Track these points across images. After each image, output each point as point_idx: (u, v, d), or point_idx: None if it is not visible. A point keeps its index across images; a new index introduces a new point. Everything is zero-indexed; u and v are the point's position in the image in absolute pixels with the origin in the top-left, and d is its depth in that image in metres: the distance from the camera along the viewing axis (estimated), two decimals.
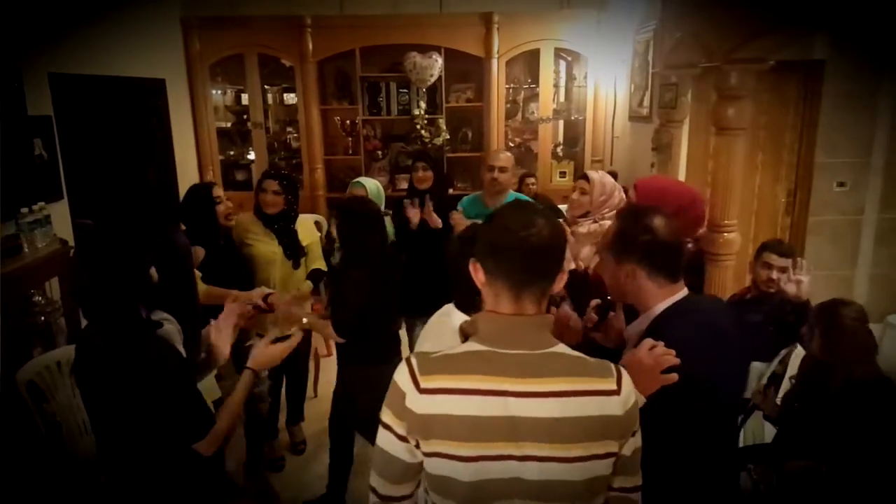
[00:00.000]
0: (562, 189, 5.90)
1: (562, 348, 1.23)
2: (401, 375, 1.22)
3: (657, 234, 1.57)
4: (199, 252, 2.97)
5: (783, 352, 2.92)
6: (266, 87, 6.15)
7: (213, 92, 6.02)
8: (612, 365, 1.24)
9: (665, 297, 1.59)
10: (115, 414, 1.68)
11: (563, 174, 6.11)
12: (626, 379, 1.22)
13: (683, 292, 1.62)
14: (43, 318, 3.34)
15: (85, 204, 4.08)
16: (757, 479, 2.56)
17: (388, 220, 3.65)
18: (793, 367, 2.90)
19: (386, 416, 1.23)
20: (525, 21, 5.68)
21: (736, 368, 1.66)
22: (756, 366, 3.04)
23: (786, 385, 2.87)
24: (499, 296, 1.23)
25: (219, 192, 3.17)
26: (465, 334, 1.28)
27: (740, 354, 1.66)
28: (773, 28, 3.24)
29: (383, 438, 1.24)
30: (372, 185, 3.75)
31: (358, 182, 3.65)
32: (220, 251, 3.13)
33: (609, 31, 5.58)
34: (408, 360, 1.23)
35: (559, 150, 6.25)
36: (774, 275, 3.03)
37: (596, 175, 3.17)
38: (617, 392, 1.19)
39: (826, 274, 4.93)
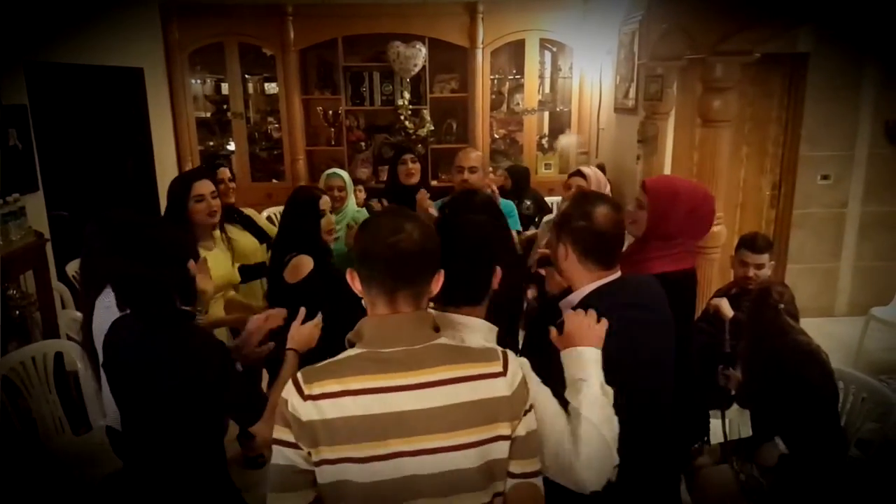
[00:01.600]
0: (547, 181, 5.88)
1: (443, 340, 1.24)
2: (287, 389, 1.20)
3: (594, 222, 1.64)
4: (306, 262, 2.61)
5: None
6: (246, 76, 6.06)
7: (193, 81, 5.92)
8: (498, 349, 1.27)
9: (593, 280, 1.67)
10: (158, 406, 1.65)
11: (548, 166, 6.09)
12: (513, 360, 1.24)
13: (616, 275, 1.69)
14: (18, 311, 3.26)
15: (61, 195, 4.00)
16: (738, 471, 2.58)
17: (364, 211, 3.60)
18: None
19: (276, 430, 1.20)
20: (510, 11, 5.64)
21: (658, 348, 1.68)
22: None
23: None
24: (374, 302, 1.25)
25: (325, 205, 2.76)
26: (350, 343, 1.26)
27: (664, 335, 1.70)
28: (758, 20, 3.23)
29: (275, 454, 1.20)
30: (346, 177, 3.66)
31: (335, 173, 3.56)
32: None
33: (595, 21, 5.55)
34: (293, 375, 1.21)
35: (544, 141, 6.23)
36: (751, 272, 3.05)
37: (590, 170, 3.18)
38: (503, 373, 1.20)
39: (810, 267, 4.97)
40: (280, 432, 1.19)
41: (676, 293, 2.03)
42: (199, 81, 6.12)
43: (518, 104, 6.04)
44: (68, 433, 2.89)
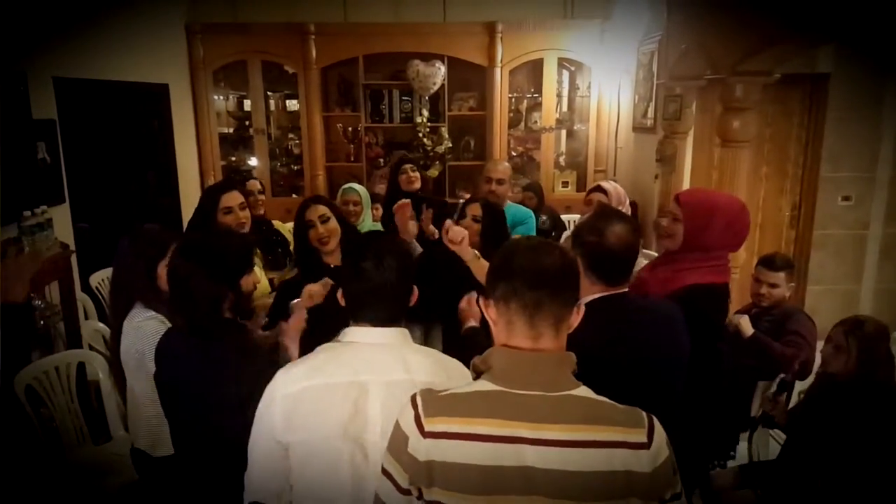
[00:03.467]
0: (564, 199, 5.88)
1: (584, 391, 1.13)
2: (405, 417, 1.13)
3: (604, 239, 1.67)
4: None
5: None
6: (269, 93, 6.14)
7: (216, 97, 6.01)
8: (644, 413, 1.12)
9: (595, 293, 1.69)
10: (211, 419, 1.65)
11: (565, 184, 6.09)
12: (659, 430, 1.11)
13: (620, 290, 1.71)
14: (42, 322, 3.32)
15: (86, 208, 4.07)
16: (761, 496, 2.53)
17: (378, 225, 3.66)
18: (801, 383, 2.88)
19: (386, 461, 1.16)
20: (528, 30, 5.68)
21: (639, 363, 1.63)
22: (761, 384, 3.03)
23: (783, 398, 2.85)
24: (512, 323, 1.15)
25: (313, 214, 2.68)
26: (477, 371, 1.19)
27: (654, 354, 1.68)
28: (778, 40, 3.24)
29: (382, 487, 1.16)
30: (363, 192, 3.71)
31: (351, 188, 3.60)
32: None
33: (613, 41, 5.57)
34: (413, 400, 1.14)
35: (562, 159, 6.24)
36: (764, 289, 3.01)
37: (610, 185, 3.19)
38: (647, 445, 1.08)
39: (831, 289, 4.91)
40: (394, 469, 1.13)
41: (709, 305, 2.05)
42: (222, 98, 6.21)
43: (536, 122, 6.06)
44: (89, 443, 2.92)
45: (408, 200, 2.86)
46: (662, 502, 1.10)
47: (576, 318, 1.21)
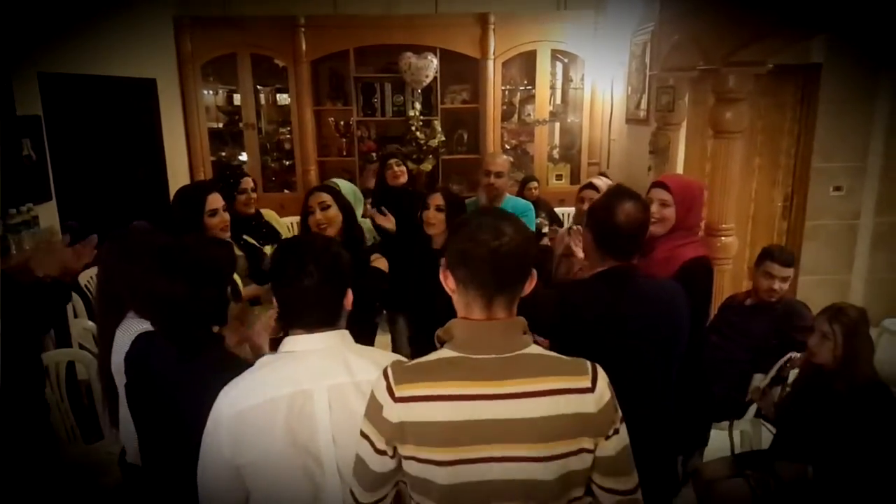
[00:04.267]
0: (559, 192, 5.87)
1: (534, 349, 1.24)
2: (378, 387, 1.23)
3: (614, 216, 1.80)
4: None
5: (783, 360, 2.89)
6: (259, 87, 6.10)
7: (205, 92, 5.96)
8: (587, 362, 1.24)
9: (606, 266, 1.85)
10: (184, 426, 1.57)
11: (559, 177, 6.08)
12: (602, 375, 1.23)
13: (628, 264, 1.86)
14: None
15: (73, 205, 4.02)
16: (754, 486, 2.54)
17: (368, 220, 3.66)
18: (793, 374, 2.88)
19: (365, 426, 1.24)
20: (521, 22, 5.65)
21: (644, 334, 1.78)
22: (756, 377, 3.03)
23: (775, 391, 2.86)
24: (470, 304, 1.25)
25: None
26: (440, 341, 1.28)
27: (654, 322, 1.80)
28: (770, 31, 3.22)
29: (361, 447, 1.25)
30: (347, 186, 3.71)
31: (334, 182, 3.62)
32: None
33: (606, 33, 5.55)
34: (385, 371, 1.23)
35: (555, 152, 6.23)
36: (776, 285, 3.01)
37: (601, 182, 3.20)
38: (591, 389, 1.20)
39: (822, 279, 4.93)
40: (373, 434, 1.22)
41: (707, 276, 2.21)
42: (211, 92, 6.16)
43: (529, 115, 6.04)
44: (80, 442, 2.89)
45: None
46: (607, 438, 1.22)
47: (528, 288, 1.29)
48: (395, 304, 3.49)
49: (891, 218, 4.92)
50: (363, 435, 1.24)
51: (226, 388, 1.40)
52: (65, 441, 2.82)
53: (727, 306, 3.29)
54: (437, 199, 2.81)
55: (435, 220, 2.78)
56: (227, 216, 2.70)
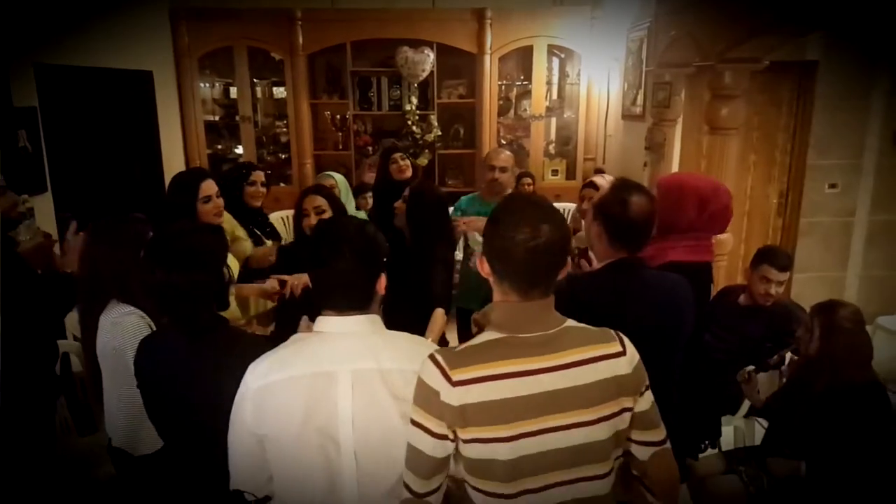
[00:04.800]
0: (555, 188, 5.88)
1: (570, 323, 1.34)
2: (429, 374, 1.27)
3: (628, 210, 1.82)
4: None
5: (775, 356, 2.90)
6: (255, 80, 6.07)
7: (202, 85, 5.93)
8: (611, 330, 1.36)
9: (615, 258, 1.88)
10: (207, 418, 1.59)
11: (555, 172, 6.08)
12: (626, 339, 1.35)
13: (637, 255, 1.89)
14: None
15: (69, 197, 4.01)
16: (747, 482, 2.56)
17: (363, 213, 3.67)
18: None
19: (418, 415, 1.28)
20: (518, 17, 5.64)
21: (651, 324, 1.77)
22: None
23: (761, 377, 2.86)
24: (507, 293, 1.32)
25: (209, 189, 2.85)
26: (478, 325, 1.38)
27: (660, 313, 1.83)
28: (767, 28, 3.23)
29: (414, 437, 1.28)
30: (340, 179, 3.71)
31: (327, 174, 3.62)
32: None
33: (603, 28, 5.55)
34: (433, 359, 1.28)
35: (551, 147, 6.23)
36: (773, 290, 2.98)
37: (602, 180, 3.19)
38: (623, 353, 1.32)
39: (817, 276, 4.95)
40: (429, 421, 1.26)
41: (690, 282, 2.14)
42: (207, 85, 6.14)
43: (525, 110, 6.04)
44: (74, 434, 2.90)
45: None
46: (641, 395, 1.34)
47: (562, 275, 1.35)
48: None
49: (886, 215, 4.94)
50: (416, 424, 1.27)
51: (256, 361, 1.43)
52: (59, 433, 2.82)
53: (721, 304, 3.26)
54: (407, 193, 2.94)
55: (400, 212, 2.91)
56: (219, 202, 2.71)
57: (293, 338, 1.48)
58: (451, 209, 3.44)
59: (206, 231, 1.85)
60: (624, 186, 1.92)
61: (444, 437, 1.26)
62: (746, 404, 3.02)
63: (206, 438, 1.59)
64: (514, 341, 1.28)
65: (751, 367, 2.78)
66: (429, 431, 1.26)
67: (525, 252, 1.25)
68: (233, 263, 2.75)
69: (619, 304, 1.77)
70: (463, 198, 3.68)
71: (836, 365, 2.36)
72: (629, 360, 1.32)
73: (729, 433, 3.16)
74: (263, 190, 3.39)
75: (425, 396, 1.26)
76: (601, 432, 1.28)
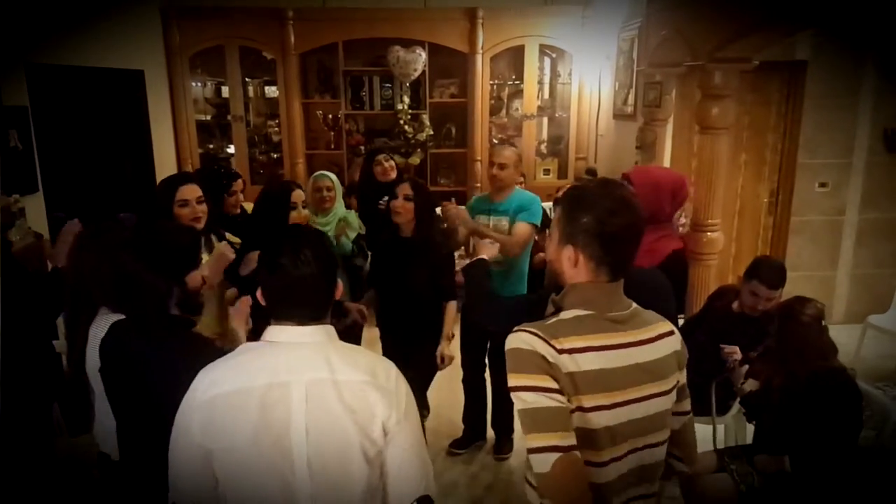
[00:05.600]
0: (547, 187, 5.88)
1: (636, 306, 1.44)
2: (529, 342, 1.30)
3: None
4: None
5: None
6: (247, 79, 6.07)
7: (193, 84, 5.92)
8: (660, 315, 1.48)
9: None
10: (158, 416, 1.59)
11: (546, 171, 6.10)
12: (671, 323, 1.48)
13: None
14: None
15: (61, 197, 4.00)
16: (738, 480, 2.57)
17: (353, 213, 3.67)
18: None
19: (527, 379, 1.28)
20: (510, 17, 5.65)
21: None
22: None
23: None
24: (598, 275, 1.38)
25: (297, 197, 2.96)
26: (557, 305, 1.42)
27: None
28: (757, 27, 3.25)
29: (535, 398, 1.27)
30: (335, 180, 3.71)
31: (323, 174, 3.61)
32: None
33: (594, 28, 5.57)
34: (527, 331, 1.32)
35: (543, 147, 6.24)
36: (760, 305, 2.94)
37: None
38: (673, 332, 1.45)
39: (807, 274, 4.98)
40: (539, 380, 1.28)
41: (681, 269, 2.21)
42: (199, 84, 6.12)
43: (517, 110, 6.05)
44: (65, 435, 2.88)
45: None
46: (682, 370, 1.46)
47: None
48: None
49: (875, 214, 4.98)
50: (526, 389, 1.28)
51: (203, 371, 1.38)
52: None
53: (714, 307, 3.22)
54: (405, 189, 2.92)
55: (402, 209, 2.90)
56: (200, 209, 2.63)
57: (242, 347, 1.44)
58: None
59: (179, 231, 1.83)
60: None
61: (557, 391, 1.27)
62: (736, 404, 3.04)
63: (156, 437, 1.55)
64: (600, 318, 1.36)
65: (737, 357, 2.81)
66: (542, 389, 1.27)
67: (626, 235, 1.36)
68: None
69: None
70: (473, 196, 3.76)
71: (793, 356, 2.40)
72: (678, 338, 1.46)
73: (720, 431, 3.18)
74: (242, 196, 3.40)
75: (529, 360, 1.29)
76: (668, 402, 1.40)
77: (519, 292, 3.21)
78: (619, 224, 1.35)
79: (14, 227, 3.22)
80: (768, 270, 2.94)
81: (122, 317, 1.79)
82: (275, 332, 1.39)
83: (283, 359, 1.35)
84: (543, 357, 1.28)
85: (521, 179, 4.09)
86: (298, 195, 2.90)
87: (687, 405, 1.50)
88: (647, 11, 4.55)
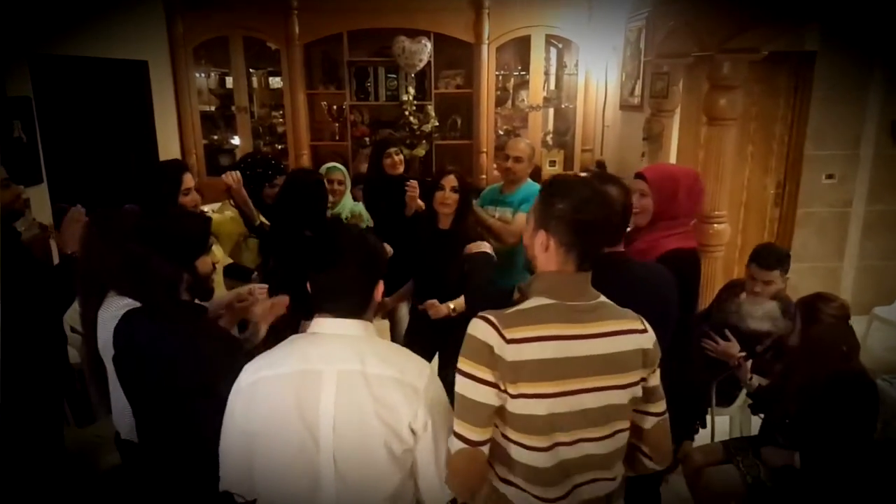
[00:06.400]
0: None
1: (603, 298, 1.47)
2: (482, 330, 1.36)
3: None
4: None
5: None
6: (251, 70, 6.04)
7: (197, 75, 5.90)
8: (632, 312, 1.49)
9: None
10: (170, 401, 1.63)
11: (552, 163, 6.07)
12: (645, 320, 1.49)
13: (618, 249, 1.92)
14: None
15: (65, 188, 3.99)
16: (744, 472, 2.57)
17: (361, 205, 3.67)
18: None
19: (467, 366, 1.36)
20: (516, 7, 5.61)
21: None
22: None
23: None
24: (565, 263, 1.43)
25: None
26: (523, 292, 1.47)
27: (647, 308, 1.74)
28: (765, 18, 3.22)
29: (466, 387, 1.36)
30: (345, 172, 3.71)
31: (335, 166, 3.62)
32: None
33: (601, 18, 5.52)
34: (484, 318, 1.38)
35: (549, 138, 6.21)
36: (758, 287, 3.00)
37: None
38: (646, 331, 1.46)
39: (814, 266, 4.96)
40: (478, 370, 1.35)
41: (689, 268, 2.21)
42: (203, 75, 6.10)
43: (523, 101, 6.02)
44: (72, 425, 2.89)
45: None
46: (654, 371, 1.49)
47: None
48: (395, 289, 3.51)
49: (882, 206, 4.95)
50: (465, 375, 1.36)
51: (255, 358, 1.47)
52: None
53: (724, 297, 3.26)
54: (451, 181, 2.89)
55: (451, 199, 2.88)
56: (197, 196, 2.77)
57: (290, 338, 1.50)
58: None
59: (190, 218, 1.85)
60: (598, 179, 1.95)
61: (493, 385, 1.34)
62: (742, 396, 3.03)
63: (177, 424, 1.62)
64: (562, 307, 1.40)
65: (741, 354, 2.80)
66: (479, 379, 1.34)
67: (598, 227, 1.41)
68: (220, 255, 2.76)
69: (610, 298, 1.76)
70: (487, 187, 3.80)
71: (816, 357, 2.37)
72: (650, 337, 1.46)
73: (725, 423, 3.18)
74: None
75: (477, 349, 1.35)
76: (625, 397, 1.42)
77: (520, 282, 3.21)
78: (592, 213, 1.40)
79: (20, 218, 3.22)
80: (763, 252, 3.05)
81: (132, 301, 1.81)
82: (316, 324, 1.47)
83: (318, 347, 1.43)
84: (491, 347, 1.34)
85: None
86: (190, 178, 2.82)
87: (660, 407, 1.52)
88: (654, 2, 4.51)
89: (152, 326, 1.63)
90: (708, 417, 3.06)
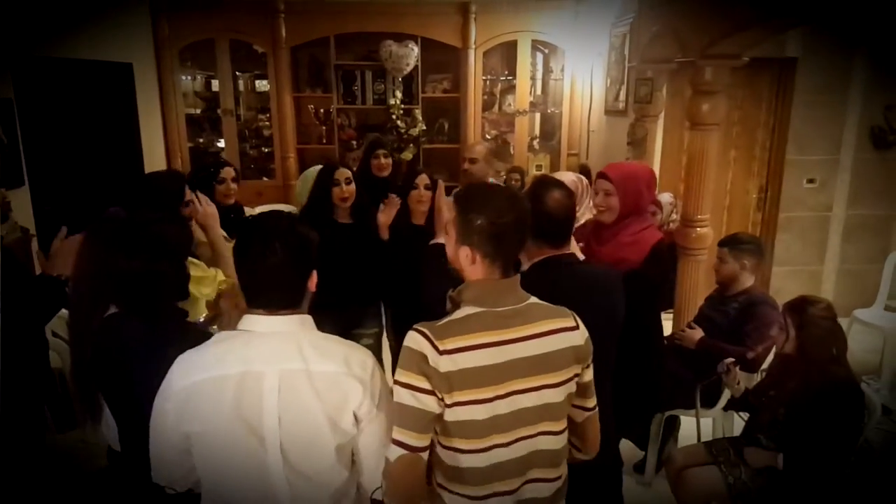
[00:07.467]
0: None
1: (534, 300, 1.50)
2: (417, 342, 1.38)
3: (544, 205, 1.86)
4: None
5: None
6: (237, 73, 6.03)
7: (183, 78, 5.88)
8: (565, 308, 1.53)
9: (543, 255, 1.90)
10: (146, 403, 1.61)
11: (539, 167, 6.10)
12: (577, 317, 1.53)
13: (564, 252, 1.94)
14: None
15: (47, 191, 3.96)
16: (726, 473, 2.59)
17: None
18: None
19: (404, 376, 1.37)
20: (502, 12, 5.65)
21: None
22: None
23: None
24: (491, 268, 1.45)
25: (341, 175, 2.99)
26: (454, 302, 1.48)
27: (593, 313, 1.72)
28: (748, 24, 3.25)
29: (403, 397, 1.37)
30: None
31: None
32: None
33: (586, 23, 5.57)
34: (419, 331, 1.39)
35: (535, 143, 6.25)
36: (716, 267, 3.10)
37: (567, 179, 3.19)
38: (577, 327, 1.51)
39: (795, 269, 5.02)
40: (415, 380, 1.37)
41: (673, 257, 2.25)
42: (189, 78, 6.08)
43: (510, 105, 6.05)
44: (52, 431, 2.87)
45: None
46: (587, 366, 1.54)
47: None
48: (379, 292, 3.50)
49: (862, 210, 5.02)
50: (402, 385, 1.37)
51: (179, 359, 1.40)
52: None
53: (709, 297, 3.30)
54: (424, 179, 3.03)
55: (426, 196, 3.00)
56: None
57: (218, 335, 1.45)
58: None
59: (171, 222, 1.83)
60: (541, 183, 1.97)
61: (430, 393, 1.36)
62: (725, 397, 3.05)
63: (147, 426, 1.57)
64: (491, 315, 1.42)
65: (730, 360, 2.81)
66: (415, 388, 1.36)
67: (515, 232, 1.44)
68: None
69: (553, 300, 1.71)
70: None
71: (811, 361, 2.40)
72: (581, 333, 1.50)
73: (707, 425, 3.20)
74: (234, 186, 3.36)
75: (412, 359, 1.37)
76: (560, 394, 1.47)
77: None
78: (507, 222, 1.43)
79: (3, 221, 3.20)
80: (729, 236, 3.18)
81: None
82: (249, 322, 1.41)
83: (256, 348, 1.37)
84: (425, 358, 1.36)
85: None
86: (342, 173, 2.97)
87: (591, 402, 1.58)
88: (639, 7, 4.55)
89: (136, 328, 1.62)
90: (693, 419, 3.08)
